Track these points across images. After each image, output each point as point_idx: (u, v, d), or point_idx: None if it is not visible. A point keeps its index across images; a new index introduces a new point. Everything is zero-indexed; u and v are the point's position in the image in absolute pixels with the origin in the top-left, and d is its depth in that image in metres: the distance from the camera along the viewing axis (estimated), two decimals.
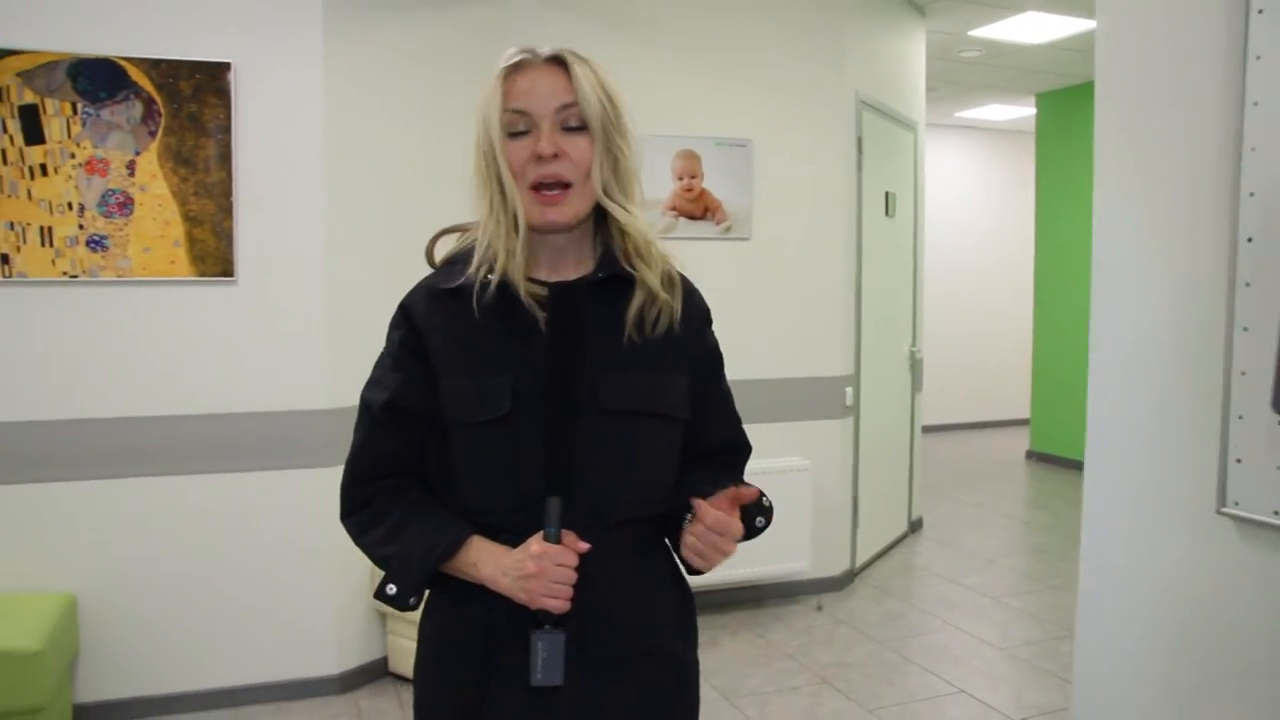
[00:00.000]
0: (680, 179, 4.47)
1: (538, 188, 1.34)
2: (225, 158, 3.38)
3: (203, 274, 3.39)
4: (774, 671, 3.89)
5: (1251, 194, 1.52)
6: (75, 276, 3.28)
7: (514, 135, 1.35)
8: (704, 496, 1.33)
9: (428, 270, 1.45)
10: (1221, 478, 1.19)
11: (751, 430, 1.59)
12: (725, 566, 4.49)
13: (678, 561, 1.47)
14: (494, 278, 1.34)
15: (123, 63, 3.26)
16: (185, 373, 3.43)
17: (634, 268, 1.39)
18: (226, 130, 3.37)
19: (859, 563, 5.11)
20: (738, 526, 1.33)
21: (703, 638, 4.43)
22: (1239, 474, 1.17)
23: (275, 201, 3.48)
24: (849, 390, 4.84)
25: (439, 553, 1.35)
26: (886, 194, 5.33)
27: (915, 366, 5.93)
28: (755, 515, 1.41)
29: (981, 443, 9.31)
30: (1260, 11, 1.57)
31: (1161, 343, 1.35)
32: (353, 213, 3.63)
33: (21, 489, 3.30)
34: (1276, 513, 1.09)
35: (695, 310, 1.48)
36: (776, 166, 4.62)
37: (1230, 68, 1.62)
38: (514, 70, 1.37)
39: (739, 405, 1.57)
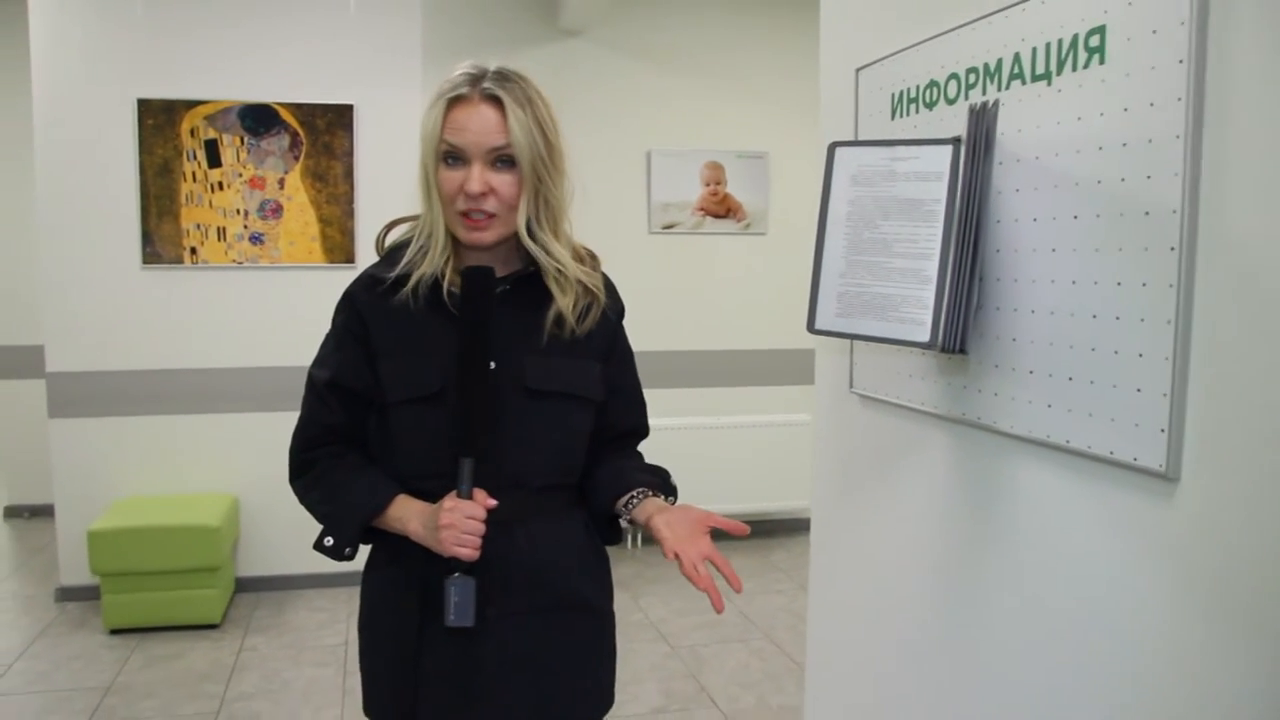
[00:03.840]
0: (707, 185, 5.48)
1: (465, 214, 1.45)
2: (349, 175, 4.52)
3: (332, 261, 4.55)
4: (765, 579, 4.90)
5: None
6: (241, 263, 4.47)
7: (449, 163, 1.44)
8: (634, 485, 1.51)
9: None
10: (850, 369, 2.04)
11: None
12: (740, 501, 5.85)
13: (591, 525, 1.62)
14: (426, 274, 1.47)
15: (276, 106, 4.44)
16: (319, 334, 4.56)
17: (550, 288, 1.51)
18: (350, 154, 4.51)
19: None
20: (706, 544, 1.40)
21: None
22: (857, 366, 2.09)
23: (385, 206, 4.54)
24: None
25: (369, 510, 1.49)
26: None
27: None
28: (666, 495, 1.56)
29: None
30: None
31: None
32: None
33: (202, 418, 4.53)
34: (865, 389, 2.06)
35: (612, 307, 1.61)
36: (789, 174, 5.58)
37: None
38: (455, 101, 1.45)
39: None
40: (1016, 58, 1.47)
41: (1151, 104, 1.21)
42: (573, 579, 1.57)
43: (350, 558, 1.54)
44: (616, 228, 5.30)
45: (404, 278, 1.49)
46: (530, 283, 1.52)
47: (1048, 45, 1.40)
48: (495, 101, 1.44)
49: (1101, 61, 1.30)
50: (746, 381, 5.42)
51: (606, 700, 1.65)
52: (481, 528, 1.41)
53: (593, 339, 1.56)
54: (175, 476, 4.51)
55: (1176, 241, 1.18)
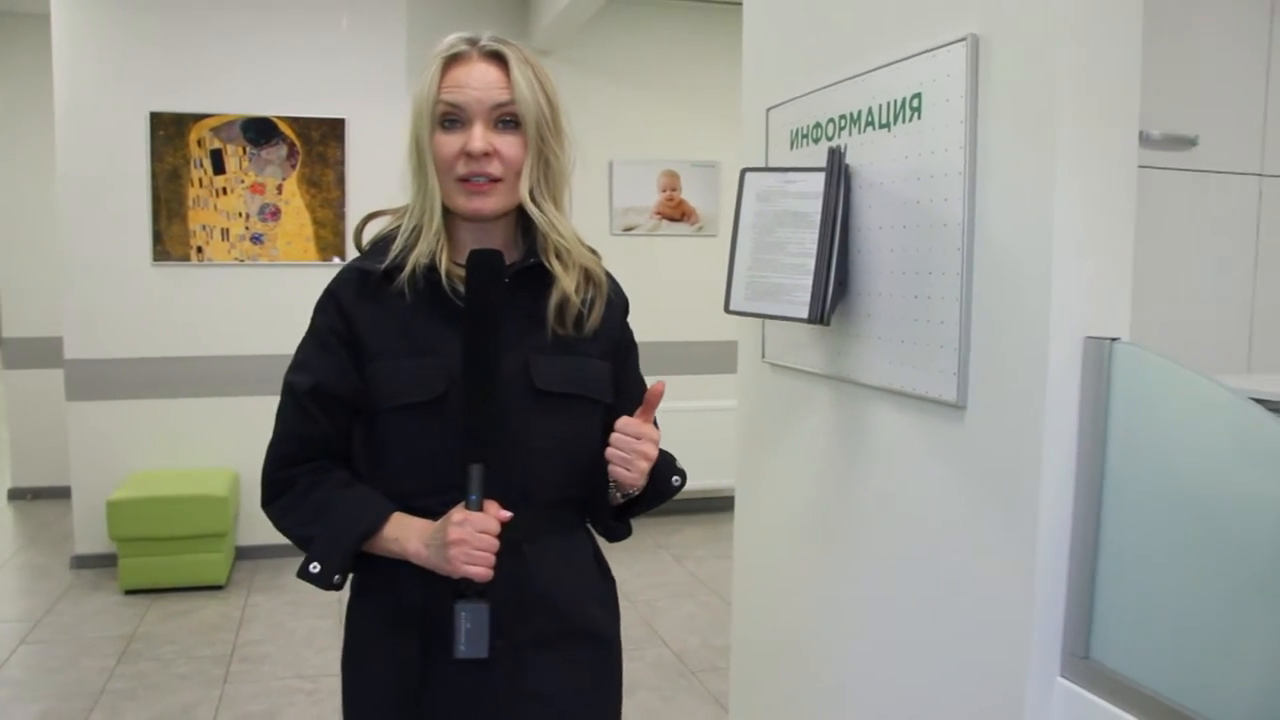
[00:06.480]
0: (664, 191, 6.01)
1: (466, 179, 1.32)
2: (341, 181, 5.02)
3: (325, 259, 5.04)
4: (716, 546, 5.44)
5: None
6: (242, 261, 4.95)
7: (446, 126, 1.32)
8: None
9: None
10: (763, 342, 2.60)
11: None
12: (693, 477, 6.40)
13: (598, 545, 1.53)
14: (421, 261, 1.33)
15: (275, 119, 4.92)
16: None
17: (552, 267, 1.39)
18: (342, 163, 5.01)
19: None
20: (652, 430, 1.35)
21: (671, 527, 6.23)
22: (768, 339, 2.61)
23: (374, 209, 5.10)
24: None
25: (361, 530, 1.31)
26: None
27: None
28: (671, 475, 1.52)
29: None
30: None
31: None
32: None
33: (206, 400, 5.00)
34: (774, 358, 2.62)
35: (617, 303, 1.53)
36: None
37: None
38: (452, 60, 1.33)
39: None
40: (870, 110, 2.01)
41: (946, 149, 1.75)
42: (583, 605, 1.47)
43: (339, 586, 1.35)
44: (581, 230, 5.79)
45: (397, 268, 1.36)
46: (531, 274, 1.41)
47: (889, 103, 1.94)
48: (496, 58, 1.35)
49: (919, 118, 1.84)
50: (702, 369, 5.95)
51: None
52: (495, 543, 1.27)
53: (599, 338, 1.48)
54: (182, 453, 4.98)
55: (960, 244, 1.72)
